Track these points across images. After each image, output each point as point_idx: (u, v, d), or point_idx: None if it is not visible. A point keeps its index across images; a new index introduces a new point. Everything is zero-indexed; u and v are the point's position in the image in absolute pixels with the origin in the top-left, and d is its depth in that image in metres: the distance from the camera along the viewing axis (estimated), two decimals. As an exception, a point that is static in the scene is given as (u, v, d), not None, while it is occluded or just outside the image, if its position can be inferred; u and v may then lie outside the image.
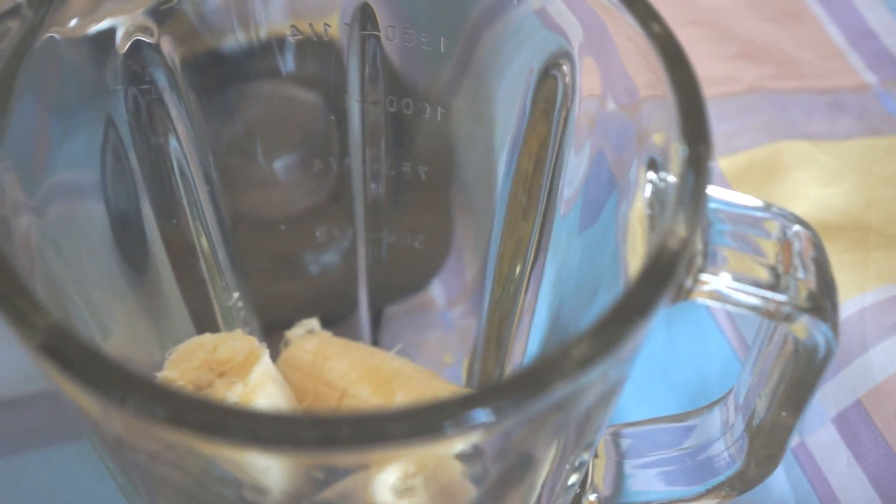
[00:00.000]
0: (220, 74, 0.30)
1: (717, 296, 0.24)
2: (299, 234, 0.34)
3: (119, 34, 0.28)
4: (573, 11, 0.27)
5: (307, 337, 0.34)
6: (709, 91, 0.43)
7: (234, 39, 0.30)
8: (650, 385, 0.40)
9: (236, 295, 0.34)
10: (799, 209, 0.40)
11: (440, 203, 0.34)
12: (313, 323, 0.35)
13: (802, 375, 0.26)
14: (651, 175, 0.24)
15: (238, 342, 0.31)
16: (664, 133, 0.23)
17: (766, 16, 0.48)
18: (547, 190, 0.31)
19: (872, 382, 0.35)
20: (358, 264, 0.35)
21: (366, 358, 0.33)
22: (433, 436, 0.18)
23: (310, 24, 0.29)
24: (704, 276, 0.23)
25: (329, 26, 0.30)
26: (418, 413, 0.18)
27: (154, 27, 0.28)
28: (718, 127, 0.42)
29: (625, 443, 0.33)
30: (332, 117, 0.32)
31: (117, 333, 0.30)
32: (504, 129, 0.31)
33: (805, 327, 0.24)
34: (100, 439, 0.23)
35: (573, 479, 0.28)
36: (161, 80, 0.29)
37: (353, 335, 0.37)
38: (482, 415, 0.18)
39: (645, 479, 0.32)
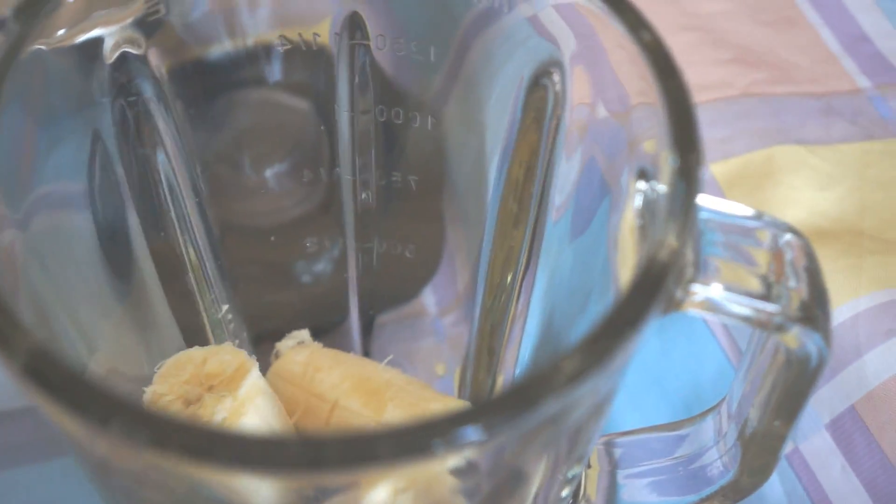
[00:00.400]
0: (208, 85, 0.30)
1: (709, 307, 0.24)
2: (289, 245, 0.34)
3: (106, 46, 0.27)
4: (563, 20, 0.27)
5: (298, 348, 0.34)
6: (703, 96, 0.43)
7: (223, 49, 0.29)
8: (644, 392, 0.39)
9: (226, 307, 0.34)
10: (792, 214, 0.39)
11: (431, 212, 0.34)
12: (304, 334, 0.35)
13: (794, 385, 0.26)
14: (642, 184, 0.24)
15: (227, 355, 0.31)
16: (655, 142, 0.23)
17: (761, 20, 0.47)
18: (538, 198, 0.30)
19: (866, 388, 0.35)
20: (348, 274, 0.35)
21: (357, 369, 0.33)
22: (423, 455, 0.18)
23: (299, 34, 0.29)
24: (695, 287, 0.23)
25: (318, 35, 0.29)
26: (407, 432, 0.18)
27: (141, 39, 0.27)
28: (712, 132, 0.42)
29: (618, 452, 0.33)
30: (322, 127, 0.31)
31: (105, 348, 0.29)
32: (495, 138, 0.31)
33: (797, 337, 0.24)
34: (84, 460, 0.23)
35: (566, 491, 0.28)
36: (148, 91, 0.28)
37: (344, 344, 0.36)
38: (472, 432, 0.18)
39: (638, 488, 0.32)
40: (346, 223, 0.33)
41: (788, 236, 0.25)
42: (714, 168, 0.41)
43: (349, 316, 0.36)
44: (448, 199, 0.34)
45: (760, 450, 0.28)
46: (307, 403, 0.33)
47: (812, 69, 0.46)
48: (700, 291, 0.23)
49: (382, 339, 0.38)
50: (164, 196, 0.30)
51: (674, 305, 0.23)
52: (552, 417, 0.20)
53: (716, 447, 0.30)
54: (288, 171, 0.33)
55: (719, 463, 0.30)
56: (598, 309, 0.27)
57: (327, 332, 0.36)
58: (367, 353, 0.37)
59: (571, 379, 0.19)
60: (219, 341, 0.34)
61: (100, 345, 0.29)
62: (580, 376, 0.19)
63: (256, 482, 0.20)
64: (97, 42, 0.27)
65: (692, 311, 0.24)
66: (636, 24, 0.23)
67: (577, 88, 0.28)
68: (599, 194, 0.28)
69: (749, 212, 0.25)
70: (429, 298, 0.39)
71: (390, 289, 0.37)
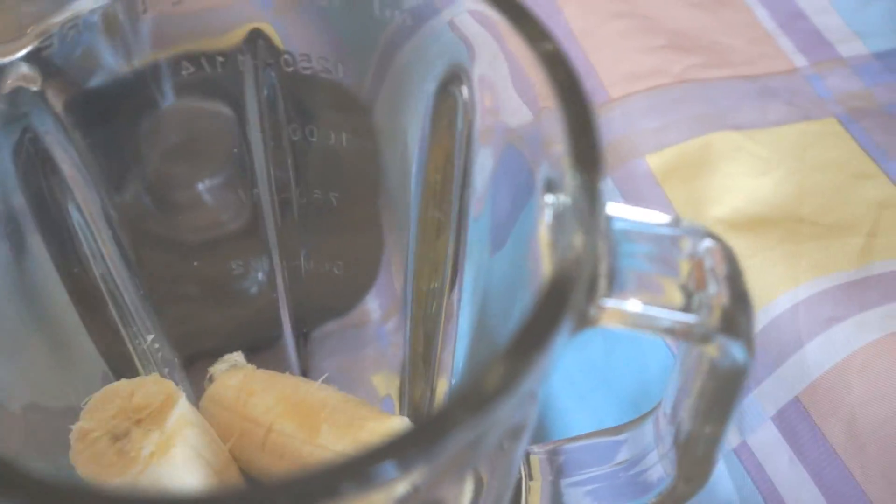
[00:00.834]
0: (111, 114, 0.29)
1: (627, 321, 0.23)
2: (214, 268, 0.33)
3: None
4: (469, 29, 0.26)
5: (231, 372, 0.34)
6: (637, 85, 0.43)
7: (124, 77, 0.29)
8: (591, 392, 0.39)
9: (151, 337, 0.33)
10: (730, 203, 0.39)
11: (357, 227, 0.33)
12: (237, 357, 0.34)
13: (721, 392, 0.25)
14: (550, 198, 0.24)
15: (154, 387, 0.31)
16: (558, 155, 0.23)
17: (694, 2, 0.47)
18: (458, 206, 0.30)
19: (809, 379, 0.34)
20: (278, 294, 0.34)
21: (290, 391, 0.32)
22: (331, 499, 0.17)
23: (202, 56, 0.28)
24: (611, 302, 0.23)
25: (222, 58, 0.29)
26: (308, 481, 0.18)
27: (37, 75, 0.27)
28: (647, 122, 0.42)
29: (560, 461, 0.32)
30: (235, 150, 0.31)
31: (22, 384, 0.29)
32: (411, 148, 0.30)
33: (719, 347, 0.23)
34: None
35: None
36: (47, 124, 0.28)
37: (281, 361, 0.36)
38: (381, 471, 0.18)
39: (580, 497, 0.31)
40: (271, 243, 0.33)
41: (708, 242, 0.24)
42: (650, 159, 0.40)
43: (283, 333, 0.36)
44: (376, 211, 0.34)
45: (695, 455, 0.28)
46: (242, 428, 0.32)
47: (747, 50, 0.45)
48: (616, 306, 0.23)
49: (321, 352, 0.37)
50: (74, 229, 0.29)
51: (587, 322, 0.23)
52: (467, 445, 0.20)
53: (655, 451, 0.30)
54: (204, 193, 0.32)
55: (659, 468, 0.30)
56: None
57: (262, 349, 0.35)
58: (305, 368, 0.37)
59: (476, 411, 0.19)
60: (147, 371, 0.33)
61: (15, 381, 0.28)
62: (484, 408, 0.19)
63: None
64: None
65: (610, 326, 0.23)
66: (535, 35, 0.23)
67: (485, 97, 0.27)
68: (515, 204, 0.28)
69: (666, 219, 0.24)
70: (372, 304, 0.38)
71: (322, 305, 0.36)
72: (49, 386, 0.31)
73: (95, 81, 0.28)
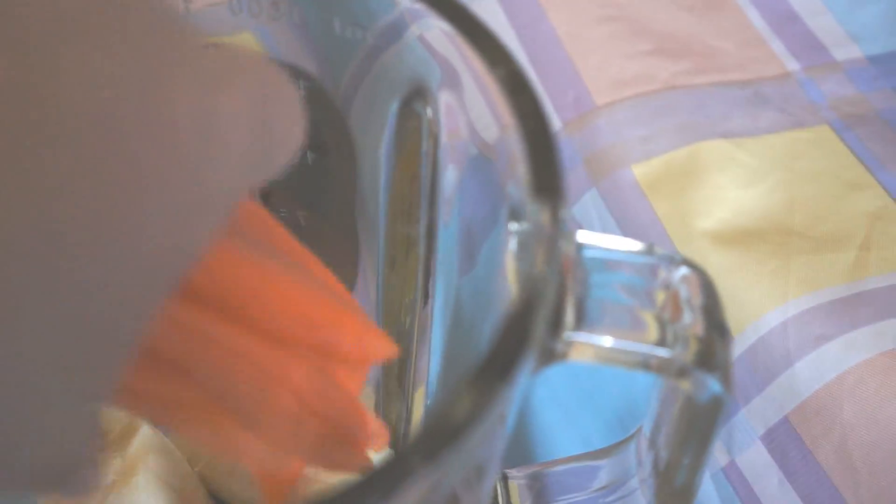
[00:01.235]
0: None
1: (597, 356, 0.22)
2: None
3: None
4: (438, 46, 0.25)
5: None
6: (622, 93, 0.42)
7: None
8: (578, 409, 0.38)
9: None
10: (718, 214, 0.38)
11: (327, 246, 0.32)
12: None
13: (698, 424, 0.24)
14: (513, 226, 0.22)
15: (116, 412, 0.30)
16: (520, 177, 0.22)
17: (683, 4, 0.46)
18: (426, 222, 0.29)
19: (799, 399, 0.33)
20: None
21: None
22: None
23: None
24: (580, 336, 0.22)
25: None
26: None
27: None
28: (632, 131, 0.40)
29: (540, 487, 0.31)
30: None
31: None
32: (381, 165, 0.29)
33: (695, 381, 0.22)
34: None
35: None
36: None
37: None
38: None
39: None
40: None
41: (684, 270, 0.23)
42: (636, 170, 0.39)
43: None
44: (349, 230, 0.32)
45: (674, 485, 0.27)
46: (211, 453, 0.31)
47: (738, 54, 0.44)
48: (586, 340, 0.22)
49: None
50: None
51: (554, 357, 0.22)
52: (427, 489, 0.19)
53: (637, 476, 0.29)
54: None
55: (639, 495, 0.29)
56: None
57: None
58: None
59: (432, 457, 0.18)
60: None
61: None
62: (442, 453, 0.18)
63: None
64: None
65: (580, 360, 0.22)
66: (494, 57, 0.21)
67: (452, 114, 0.26)
68: (485, 221, 0.27)
69: (639, 246, 0.23)
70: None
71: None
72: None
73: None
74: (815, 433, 0.33)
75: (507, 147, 0.23)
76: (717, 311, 0.23)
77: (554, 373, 0.38)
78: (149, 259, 0.15)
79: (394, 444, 0.33)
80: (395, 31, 0.26)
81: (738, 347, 0.35)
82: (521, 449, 0.38)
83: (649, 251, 0.23)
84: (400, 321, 0.32)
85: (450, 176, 0.27)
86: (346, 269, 0.34)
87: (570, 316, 0.21)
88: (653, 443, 0.27)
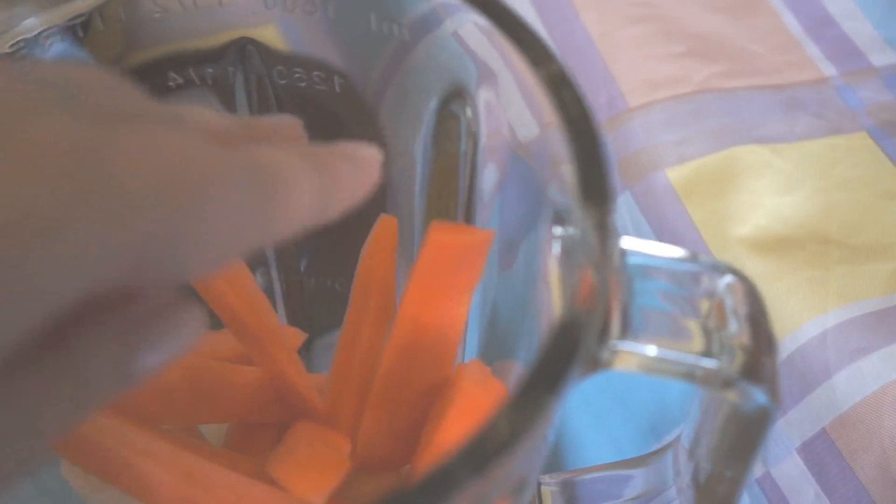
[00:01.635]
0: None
1: (642, 365, 0.21)
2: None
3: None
4: (473, 42, 0.25)
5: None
6: (655, 95, 0.41)
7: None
8: (609, 412, 0.37)
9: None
10: (754, 221, 0.37)
11: (360, 243, 0.32)
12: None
13: (743, 436, 0.23)
14: (558, 230, 0.22)
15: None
16: (565, 177, 0.21)
17: (717, 6, 0.45)
18: (463, 221, 0.28)
19: (838, 411, 0.33)
20: (277, 307, 0.33)
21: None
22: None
23: (191, 69, 0.27)
24: (625, 345, 0.21)
25: (212, 69, 0.27)
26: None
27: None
28: (666, 134, 0.40)
29: (574, 493, 0.31)
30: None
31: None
32: (413, 164, 0.29)
33: (741, 392, 0.22)
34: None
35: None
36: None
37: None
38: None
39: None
40: (269, 258, 0.31)
41: (729, 278, 0.22)
42: (670, 174, 0.38)
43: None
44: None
45: (714, 497, 0.26)
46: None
47: (773, 58, 0.43)
48: (631, 349, 0.21)
49: (323, 365, 0.36)
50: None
51: (599, 365, 0.21)
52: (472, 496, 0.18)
53: (674, 487, 0.28)
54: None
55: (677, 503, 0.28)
56: (529, 343, 0.25)
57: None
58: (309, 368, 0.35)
59: (480, 469, 0.17)
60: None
61: None
62: (489, 464, 0.17)
63: None
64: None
65: (624, 369, 0.21)
66: (539, 58, 0.21)
67: (491, 114, 0.25)
68: (524, 221, 0.26)
69: (682, 253, 0.22)
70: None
71: (324, 318, 0.34)
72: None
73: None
74: (855, 446, 0.32)
75: (548, 148, 0.22)
76: (763, 321, 0.22)
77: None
78: None
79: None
80: (429, 26, 0.26)
81: (775, 358, 0.34)
82: (551, 453, 0.37)
83: (693, 258, 0.22)
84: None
85: (489, 176, 0.26)
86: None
87: (615, 324, 0.21)
88: (692, 453, 0.26)
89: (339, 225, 0.30)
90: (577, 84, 0.20)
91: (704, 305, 0.22)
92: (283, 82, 0.27)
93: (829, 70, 0.43)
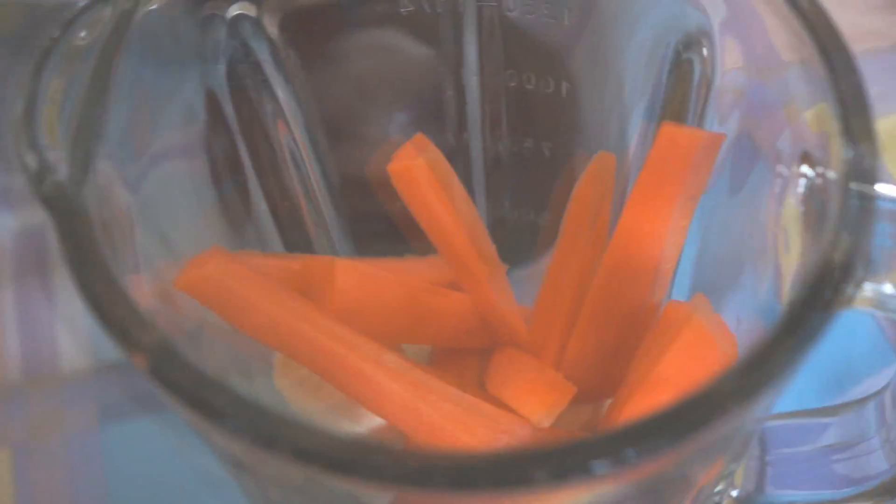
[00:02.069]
0: (324, 38, 0.28)
1: (879, 304, 0.21)
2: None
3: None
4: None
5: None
6: (853, 48, 0.40)
7: (339, 6, 0.28)
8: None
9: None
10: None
11: (566, 179, 0.32)
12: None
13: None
14: (805, 169, 0.22)
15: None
16: (818, 126, 0.21)
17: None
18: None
19: None
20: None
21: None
22: (580, 478, 0.16)
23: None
24: (865, 285, 0.21)
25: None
26: (563, 454, 0.16)
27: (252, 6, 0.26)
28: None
29: (768, 438, 0.31)
30: (450, 92, 0.30)
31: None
32: (636, 102, 0.29)
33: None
34: (215, 451, 0.22)
35: (720, 486, 0.26)
36: (263, 51, 0.27)
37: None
38: (630, 454, 0.17)
39: (788, 478, 0.30)
40: (476, 190, 0.32)
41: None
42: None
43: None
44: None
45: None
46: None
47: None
48: (870, 289, 0.21)
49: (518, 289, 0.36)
50: (282, 156, 0.29)
51: (844, 303, 0.21)
52: (715, 437, 0.19)
53: (877, 438, 0.28)
54: (411, 126, 0.31)
55: (880, 455, 0.28)
56: (752, 284, 0.25)
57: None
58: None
59: (740, 399, 0.18)
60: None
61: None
62: (746, 398, 0.18)
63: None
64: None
65: (859, 307, 0.21)
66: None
67: (729, 58, 0.25)
68: (754, 161, 0.26)
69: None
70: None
71: (521, 251, 0.35)
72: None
73: (313, 7, 0.27)
74: None
75: (797, 87, 0.22)
76: None
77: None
78: None
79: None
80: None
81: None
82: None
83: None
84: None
85: (723, 115, 0.26)
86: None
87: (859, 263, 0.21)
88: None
89: (554, 164, 0.31)
90: (831, 19, 0.20)
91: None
92: (510, 13, 0.27)
93: None
